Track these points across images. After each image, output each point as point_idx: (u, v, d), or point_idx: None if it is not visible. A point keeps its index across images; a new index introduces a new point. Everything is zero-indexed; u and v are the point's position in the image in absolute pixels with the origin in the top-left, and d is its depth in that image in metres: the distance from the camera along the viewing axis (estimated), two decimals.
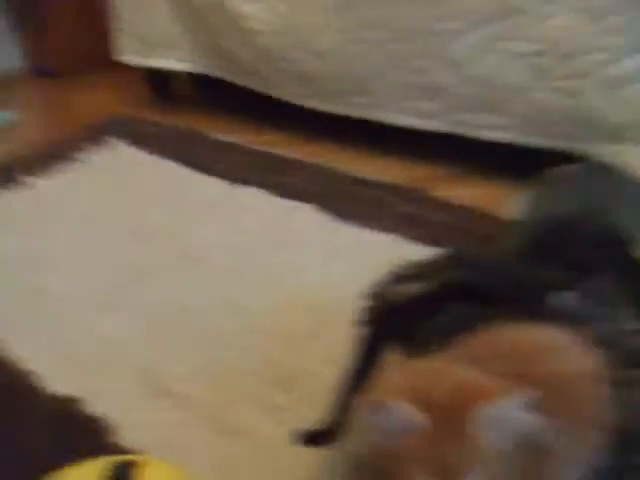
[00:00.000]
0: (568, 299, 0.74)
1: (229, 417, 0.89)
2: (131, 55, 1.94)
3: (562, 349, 0.50)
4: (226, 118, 1.94)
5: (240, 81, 1.83)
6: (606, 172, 1.21)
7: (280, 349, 1.01)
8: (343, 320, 1.05)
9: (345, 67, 1.57)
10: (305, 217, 1.40)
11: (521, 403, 0.38)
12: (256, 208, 1.45)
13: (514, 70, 1.33)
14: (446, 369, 0.44)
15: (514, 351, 0.48)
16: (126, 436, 0.86)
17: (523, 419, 0.39)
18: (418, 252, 1.24)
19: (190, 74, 1.99)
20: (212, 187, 1.54)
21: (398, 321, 0.72)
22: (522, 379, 0.42)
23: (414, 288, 0.73)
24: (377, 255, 1.24)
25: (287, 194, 1.49)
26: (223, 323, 1.08)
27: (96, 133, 1.83)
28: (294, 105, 1.73)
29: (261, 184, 1.53)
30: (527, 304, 0.67)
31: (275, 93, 1.75)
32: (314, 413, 0.88)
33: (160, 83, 2.08)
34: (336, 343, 1.00)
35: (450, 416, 0.39)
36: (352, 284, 1.15)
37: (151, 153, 1.72)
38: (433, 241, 1.27)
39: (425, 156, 1.63)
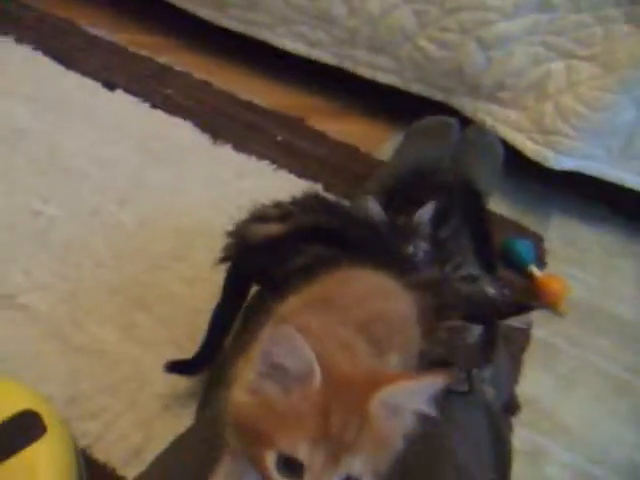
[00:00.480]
0: (418, 244, 0.81)
1: (80, 333, 0.87)
2: None
3: (389, 292, 0.53)
4: (108, 13, 1.76)
5: None
6: (474, 129, 1.30)
7: (143, 269, 1.00)
8: (209, 245, 1.05)
9: None
10: (181, 134, 1.35)
11: (426, 391, 0.36)
12: (132, 118, 1.36)
13: (402, 13, 1.34)
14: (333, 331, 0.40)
15: (347, 295, 0.48)
16: None
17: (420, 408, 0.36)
18: (290, 182, 1.27)
19: None
20: (84, 89, 1.41)
21: (255, 261, 0.74)
22: (352, 321, 0.42)
23: (272, 229, 0.74)
24: (250, 181, 1.25)
25: (165, 106, 1.41)
26: (86, 237, 1.03)
27: None
28: (183, 10, 1.60)
29: (138, 92, 1.43)
30: (380, 249, 0.72)
31: None
32: (170, 334, 0.90)
33: None
34: (200, 267, 1.01)
35: (350, 390, 0.35)
36: (222, 209, 1.16)
37: (19, 42, 1.52)
38: (306, 173, 1.30)
39: (308, 86, 1.62)
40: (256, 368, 0.36)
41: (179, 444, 0.56)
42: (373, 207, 0.82)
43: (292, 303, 0.47)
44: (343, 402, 0.35)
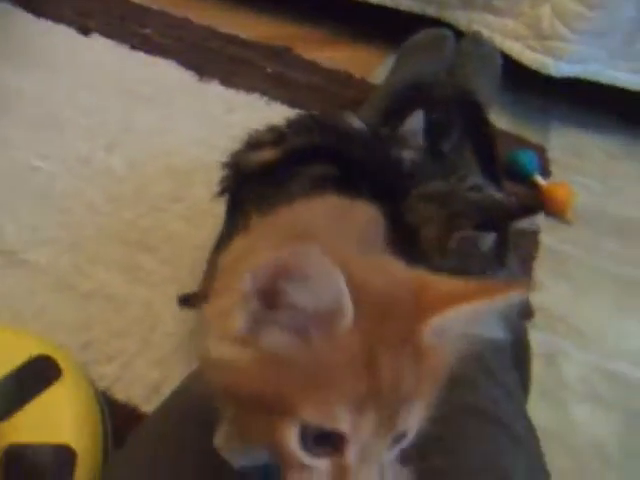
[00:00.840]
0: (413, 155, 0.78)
1: (87, 281, 0.86)
2: None
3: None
4: None
5: None
6: (470, 40, 1.25)
7: (141, 213, 0.98)
8: (205, 181, 1.03)
9: None
10: (165, 74, 1.30)
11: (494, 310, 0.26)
12: (110, 62, 1.31)
13: None
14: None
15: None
16: None
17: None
18: (283, 113, 1.23)
19: None
20: (59, 36, 1.35)
21: (252, 189, 0.72)
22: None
23: (266, 154, 0.72)
24: (241, 115, 1.21)
25: (144, 47, 1.35)
26: (79, 186, 1.01)
27: None
28: None
29: (114, 34, 1.37)
30: (376, 163, 0.70)
31: None
32: (176, 273, 0.89)
33: None
34: (198, 204, 0.99)
35: (396, 318, 0.24)
36: (214, 145, 1.12)
37: None
38: (298, 103, 1.25)
39: (293, 15, 1.54)
40: (247, 308, 0.24)
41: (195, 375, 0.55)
42: (353, 121, 0.79)
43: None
44: (390, 340, 0.24)
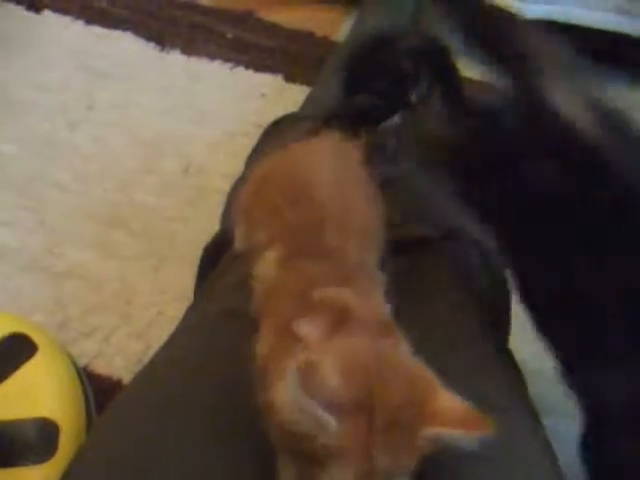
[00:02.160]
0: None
1: (59, 260, 0.85)
2: None
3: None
4: None
5: None
6: None
7: (111, 188, 0.96)
8: (173, 153, 1.02)
9: None
10: (124, 47, 1.26)
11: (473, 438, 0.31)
12: (65, 39, 1.27)
13: None
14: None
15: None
16: None
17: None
18: (247, 79, 1.21)
19: None
20: (9, 15, 1.30)
21: None
22: None
23: None
24: (205, 83, 1.18)
25: (101, 21, 1.30)
26: (44, 167, 0.98)
27: None
28: None
29: (68, 10, 1.32)
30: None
31: None
32: (151, 246, 0.87)
33: None
34: (169, 176, 0.98)
35: (397, 424, 0.31)
36: (181, 115, 1.10)
37: None
38: (263, 67, 1.23)
39: None
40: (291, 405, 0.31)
41: (182, 331, 0.55)
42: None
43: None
44: (388, 439, 0.31)
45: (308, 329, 0.34)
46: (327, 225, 0.41)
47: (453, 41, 1.12)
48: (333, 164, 0.48)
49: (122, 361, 0.73)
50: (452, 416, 0.31)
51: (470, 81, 1.24)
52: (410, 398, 0.32)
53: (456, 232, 0.61)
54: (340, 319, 0.35)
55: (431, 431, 0.31)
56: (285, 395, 0.31)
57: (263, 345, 0.37)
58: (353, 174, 0.49)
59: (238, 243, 0.52)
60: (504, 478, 0.41)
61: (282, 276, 0.40)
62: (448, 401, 0.32)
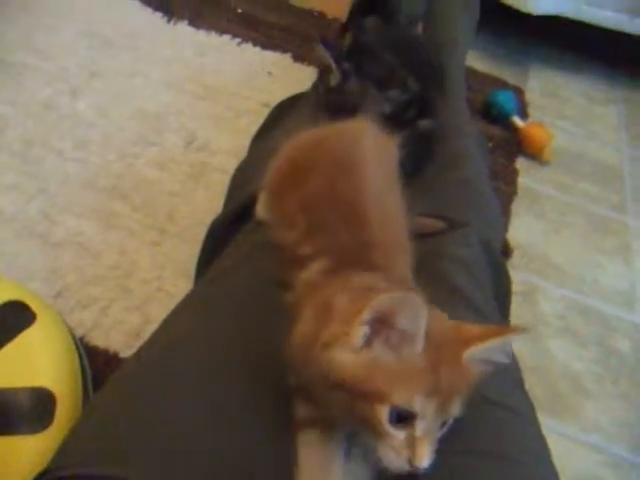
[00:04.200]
0: None
1: (58, 228, 0.84)
2: None
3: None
4: None
5: None
6: None
7: (112, 158, 0.94)
8: (176, 127, 1.00)
9: None
10: (131, 15, 1.23)
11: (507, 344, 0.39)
12: (70, 3, 1.24)
13: None
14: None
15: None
16: None
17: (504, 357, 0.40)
18: (254, 56, 1.19)
19: None
20: None
21: None
22: None
23: None
24: (211, 57, 1.16)
25: None
26: (44, 132, 0.96)
27: None
28: None
29: None
30: None
31: None
32: (151, 219, 0.86)
33: None
34: (171, 149, 0.97)
35: (447, 347, 0.37)
36: (185, 88, 1.09)
37: None
38: (271, 45, 1.21)
39: None
40: (363, 329, 0.37)
41: (183, 308, 0.54)
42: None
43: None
44: (446, 359, 0.37)
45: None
46: (374, 247, 0.45)
47: (466, 37, 1.11)
48: (375, 165, 0.51)
49: (119, 334, 0.72)
50: (480, 334, 0.38)
51: (475, 72, 1.24)
52: (449, 331, 0.39)
53: (463, 225, 0.62)
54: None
55: (471, 350, 0.37)
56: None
57: (305, 324, 0.41)
58: (391, 174, 0.53)
59: (260, 211, 0.58)
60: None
61: (329, 280, 0.44)
62: (473, 328, 0.39)
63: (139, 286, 0.78)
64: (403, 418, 0.36)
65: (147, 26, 1.21)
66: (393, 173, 0.53)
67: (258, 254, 0.54)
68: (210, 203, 0.87)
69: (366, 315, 0.36)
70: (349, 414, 0.38)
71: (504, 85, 1.24)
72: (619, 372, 0.81)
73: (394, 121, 0.75)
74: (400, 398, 0.36)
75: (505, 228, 0.92)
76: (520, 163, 1.06)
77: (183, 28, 1.22)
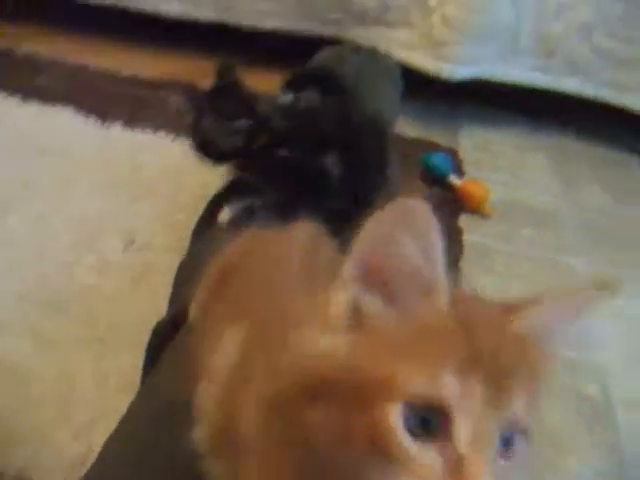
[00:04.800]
0: None
1: None
2: None
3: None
4: None
5: None
6: (369, 56, 1.26)
7: (48, 270, 0.91)
8: (114, 229, 0.98)
9: None
10: (63, 122, 1.24)
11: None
12: (2, 115, 1.24)
13: None
14: None
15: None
16: None
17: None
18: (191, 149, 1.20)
19: None
20: None
21: None
22: None
23: None
24: (146, 156, 1.17)
25: (38, 97, 1.29)
26: None
27: None
28: None
29: (1, 86, 1.30)
30: None
31: None
32: (93, 331, 0.82)
33: None
34: (109, 253, 0.94)
35: (485, 315, 0.27)
36: (120, 189, 1.08)
37: None
38: None
39: (189, 49, 1.53)
40: (348, 293, 0.25)
41: (124, 428, 0.51)
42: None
43: None
44: (484, 322, 0.25)
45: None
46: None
47: (392, 107, 1.16)
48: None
49: (61, 468, 0.66)
50: (529, 302, 0.28)
51: (408, 138, 1.28)
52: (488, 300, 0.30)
53: None
54: None
55: (528, 311, 0.27)
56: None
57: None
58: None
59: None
60: None
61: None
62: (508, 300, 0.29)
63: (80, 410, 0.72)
64: (429, 423, 0.23)
65: (79, 131, 1.22)
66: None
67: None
68: (153, 305, 0.84)
69: (348, 272, 0.25)
70: (347, 442, 0.24)
71: (437, 147, 1.28)
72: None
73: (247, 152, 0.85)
74: (417, 380, 0.22)
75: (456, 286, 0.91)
76: (463, 220, 1.08)
77: (116, 130, 1.23)
